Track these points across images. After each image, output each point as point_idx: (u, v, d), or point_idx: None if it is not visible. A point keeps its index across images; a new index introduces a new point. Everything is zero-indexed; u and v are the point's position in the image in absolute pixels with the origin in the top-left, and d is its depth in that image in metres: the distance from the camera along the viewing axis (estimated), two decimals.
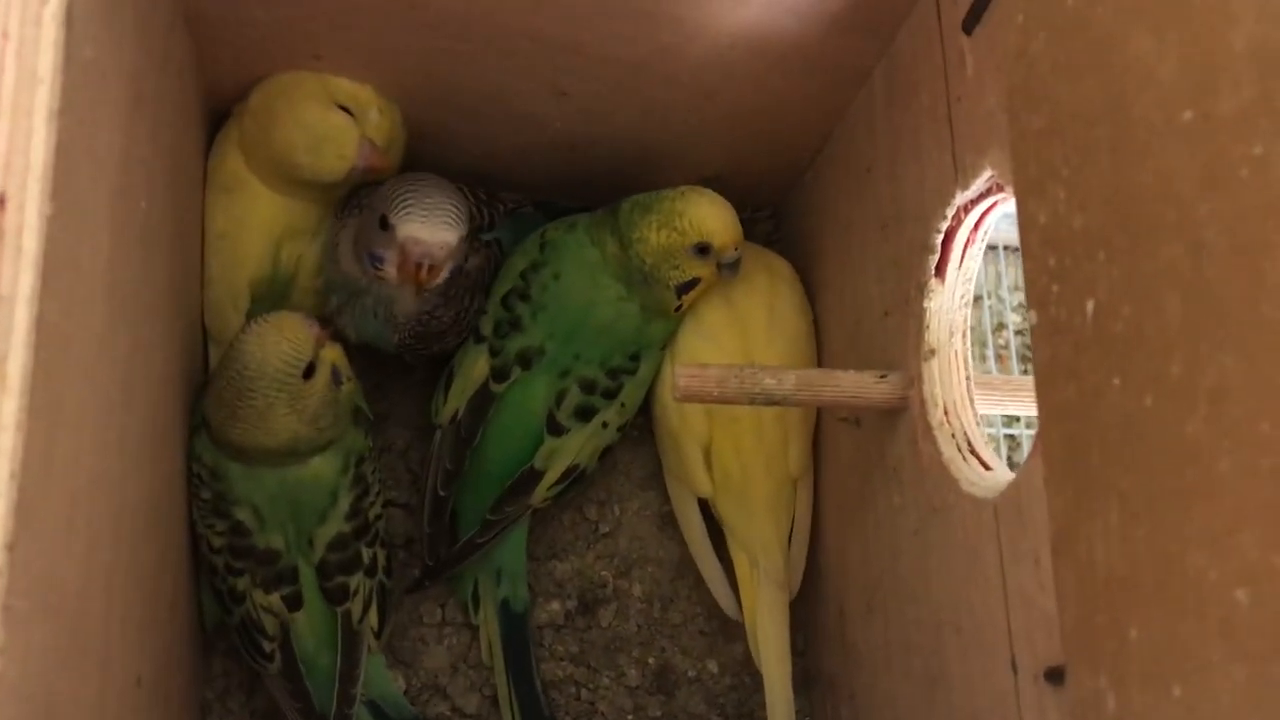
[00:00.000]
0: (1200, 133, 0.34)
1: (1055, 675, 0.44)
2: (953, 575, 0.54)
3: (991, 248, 1.14)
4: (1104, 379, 0.38)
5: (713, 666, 0.75)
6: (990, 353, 1.10)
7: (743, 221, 0.70)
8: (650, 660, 0.74)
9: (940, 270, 0.57)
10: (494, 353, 0.71)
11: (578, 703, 0.73)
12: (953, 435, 0.56)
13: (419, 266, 0.63)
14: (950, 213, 0.55)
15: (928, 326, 0.58)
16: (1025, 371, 1.02)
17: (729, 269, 0.70)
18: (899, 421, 0.60)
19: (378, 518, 0.67)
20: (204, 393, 0.62)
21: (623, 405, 0.72)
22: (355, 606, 0.65)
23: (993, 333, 1.12)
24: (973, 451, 0.55)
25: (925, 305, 0.57)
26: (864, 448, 0.65)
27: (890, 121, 0.62)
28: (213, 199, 0.67)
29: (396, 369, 0.76)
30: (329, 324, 0.65)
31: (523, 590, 0.73)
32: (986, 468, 0.54)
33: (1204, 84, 0.33)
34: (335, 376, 0.62)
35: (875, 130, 0.64)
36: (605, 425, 0.72)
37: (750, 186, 0.77)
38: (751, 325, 0.71)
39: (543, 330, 0.70)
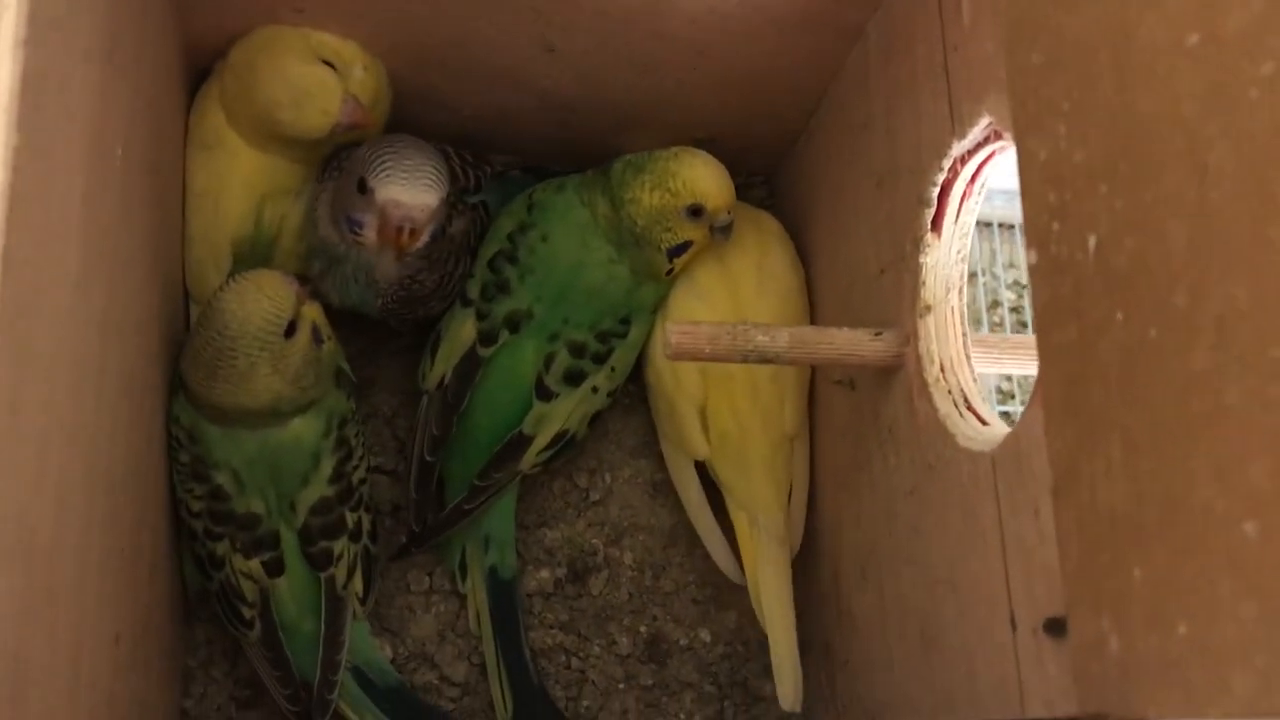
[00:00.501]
0: (1207, 54, 0.32)
1: (1055, 626, 0.43)
2: (949, 533, 0.53)
3: (986, 224, 1.14)
4: (1106, 315, 0.36)
5: (705, 635, 0.74)
6: (985, 330, 1.09)
7: (736, 188, 0.69)
8: (641, 629, 0.73)
9: (936, 225, 0.56)
10: (481, 316, 0.70)
11: (568, 671, 0.72)
12: (949, 392, 0.55)
13: (399, 230, 0.62)
14: (947, 165, 0.54)
15: (924, 283, 0.57)
16: None
17: (721, 232, 0.69)
18: (894, 380, 0.59)
19: (362, 482, 0.65)
20: (181, 353, 0.61)
21: (612, 370, 0.71)
22: (339, 572, 0.64)
23: (987, 310, 1.12)
24: (969, 408, 0.54)
25: (921, 261, 0.56)
26: (858, 409, 0.64)
27: (885, 76, 0.61)
28: (193, 156, 0.66)
29: (383, 334, 0.75)
30: (308, 282, 0.64)
31: (511, 558, 0.72)
32: (984, 423, 0.53)
33: (1211, 2, 0.32)
34: (316, 335, 0.61)
35: (869, 87, 0.63)
36: (595, 390, 0.71)
37: (744, 151, 0.76)
38: (742, 283, 0.70)
39: (531, 293, 0.69)
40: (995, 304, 1.12)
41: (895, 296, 0.59)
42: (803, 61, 0.67)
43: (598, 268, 0.69)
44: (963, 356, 0.56)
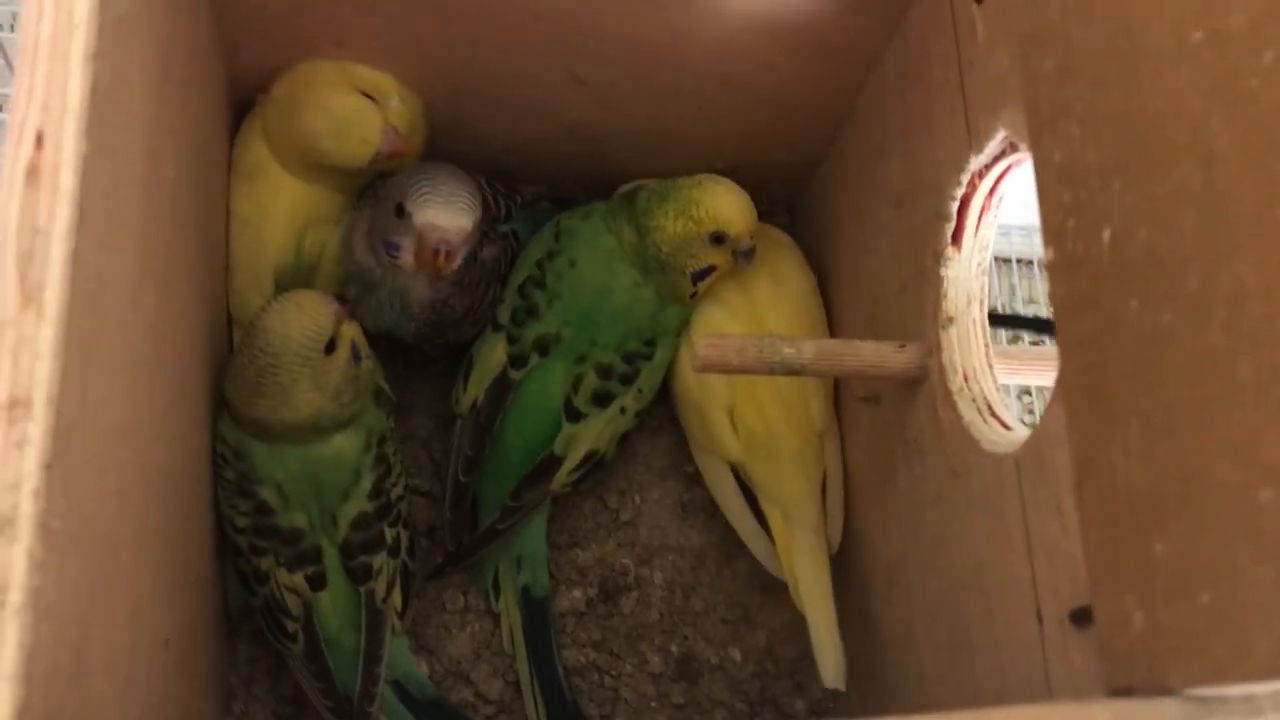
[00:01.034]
0: (1210, 50, 0.34)
1: (1081, 616, 0.44)
2: (975, 537, 0.54)
3: (1005, 260, 1.15)
4: (1121, 304, 0.38)
5: (735, 654, 0.75)
6: None
7: (759, 215, 0.71)
8: (673, 648, 0.74)
9: (956, 238, 0.58)
10: (511, 340, 0.71)
11: (601, 689, 0.73)
12: (973, 400, 0.56)
13: (435, 252, 0.64)
14: (965, 179, 0.56)
15: (945, 295, 0.58)
16: None
17: (744, 256, 0.71)
18: (918, 392, 0.60)
19: (400, 498, 0.67)
20: (225, 374, 0.63)
21: (639, 391, 0.72)
22: (379, 586, 0.65)
23: (1009, 344, 1.13)
24: (993, 414, 0.55)
25: (942, 274, 0.58)
26: (883, 423, 0.65)
27: (902, 100, 0.63)
28: (237, 186, 0.68)
29: (418, 360, 0.76)
30: (346, 303, 0.66)
31: (543, 577, 0.73)
32: (1006, 428, 0.54)
33: (1214, 1, 0.34)
34: (355, 352, 0.63)
35: (886, 111, 0.65)
36: (623, 411, 0.72)
37: (764, 180, 0.77)
38: (756, 292, 0.72)
39: (559, 317, 0.71)
40: (1015, 339, 1.13)
41: (917, 311, 0.60)
42: (821, 89, 0.69)
43: (623, 292, 0.71)
44: (985, 365, 0.57)
